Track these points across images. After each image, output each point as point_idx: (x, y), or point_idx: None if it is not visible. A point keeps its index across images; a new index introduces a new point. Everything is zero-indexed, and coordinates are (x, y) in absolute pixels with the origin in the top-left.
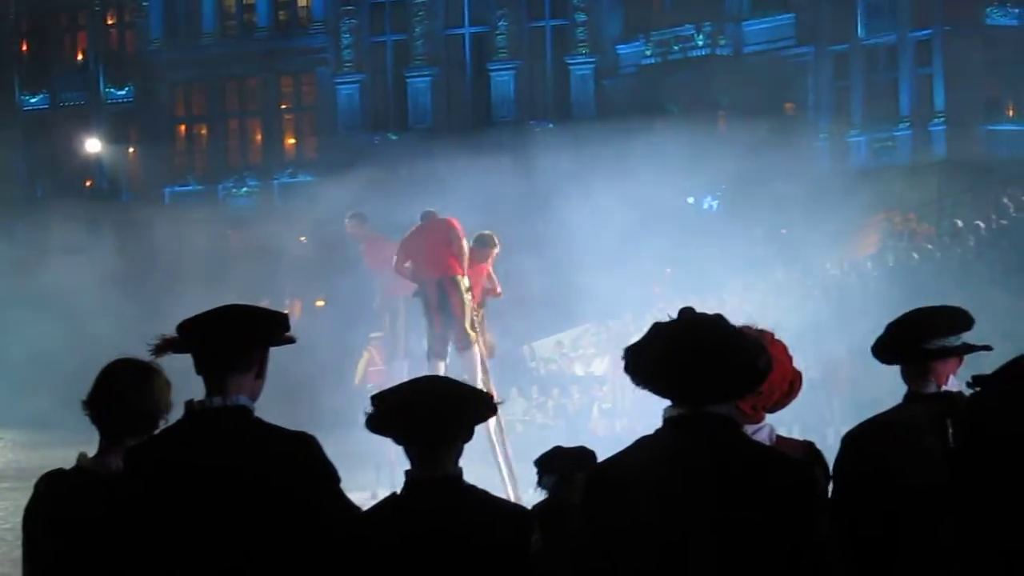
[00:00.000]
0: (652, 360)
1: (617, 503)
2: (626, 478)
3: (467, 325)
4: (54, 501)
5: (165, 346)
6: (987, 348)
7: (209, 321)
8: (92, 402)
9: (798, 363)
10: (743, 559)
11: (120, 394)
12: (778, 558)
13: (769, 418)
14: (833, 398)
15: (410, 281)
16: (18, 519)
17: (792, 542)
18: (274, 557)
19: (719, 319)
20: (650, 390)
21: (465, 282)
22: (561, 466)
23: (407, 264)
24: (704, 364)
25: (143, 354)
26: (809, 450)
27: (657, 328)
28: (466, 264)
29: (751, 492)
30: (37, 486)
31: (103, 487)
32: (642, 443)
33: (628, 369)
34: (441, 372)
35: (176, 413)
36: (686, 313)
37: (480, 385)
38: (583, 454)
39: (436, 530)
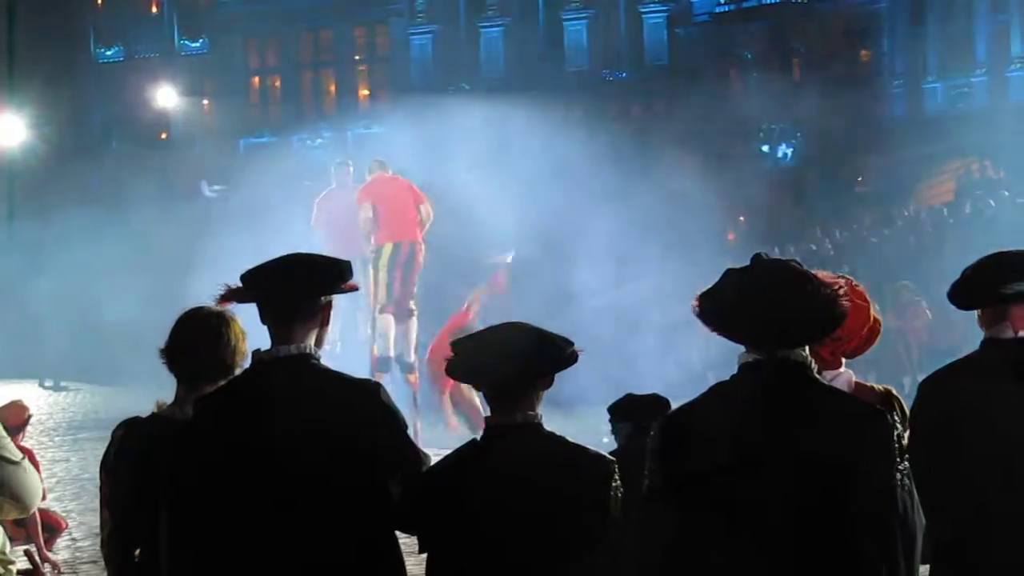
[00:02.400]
0: (725, 306)
1: (691, 449)
2: (700, 424)
3: (413, 297)
4: (132, 445)
5: (230, 295)
6: None
7: (272, 272)
8: (168, 350)
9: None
10: (819, 503)
11: (195, 342)
12: (854, 502)
13: (847, 364)
14: (911, 346)
15: (366, 232)
16: (96, 469)
17: (868, 486)
18: (344, 505)
19: (793, 264)
20: (723, 335)
21: (424, 250)
22: (635, 414)
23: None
24: (778, 309)
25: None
26: (887, 396)
27: (730, 274)
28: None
29: (826, 437)
30: (114, 433)
31: (179, 431)
32: (716, 389)
33: (701, 315)
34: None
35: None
36: (759, 259)
37: (411, 359)
38: (657, 402)
39: (516, 476)
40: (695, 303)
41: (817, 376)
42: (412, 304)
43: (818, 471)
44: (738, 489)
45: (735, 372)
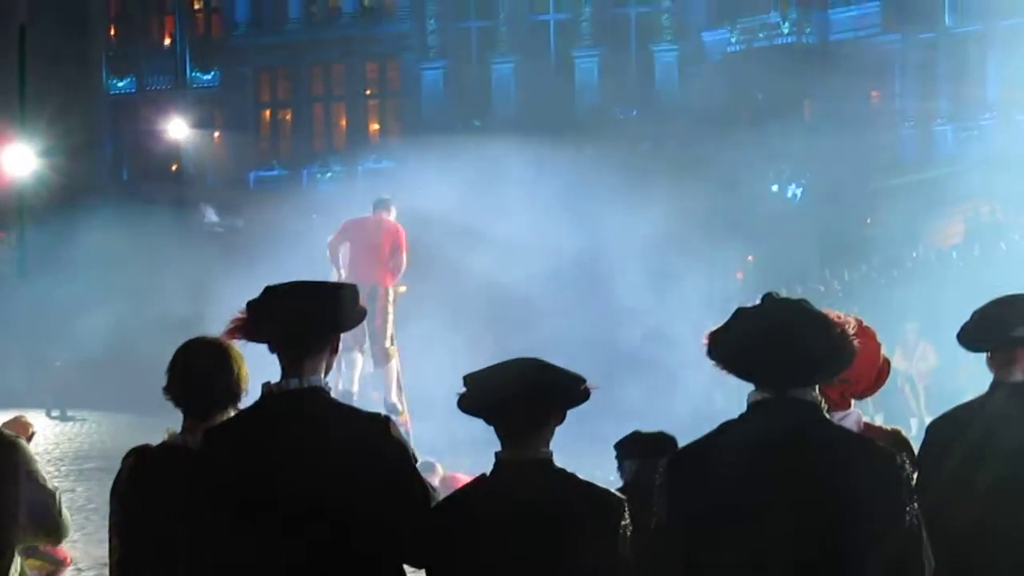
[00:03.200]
0: (735, 344)
1: (699, 487)
2: (708, 462)
3: (387, 340)
4: (143, 473)
5: (238, 332)
6: None
7: (284, 311)
8: (172, 384)
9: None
10: (826, 544)
11: (198, 373)
12: (861, 544)
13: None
14: (918, 387)
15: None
16: (103, 499)
17: (876, 528)
18: (350, 539)
19: (803, 304)
20: (733, 374)
21: (391, 294)
22: (642, 451)
23: (341, 252)
24: (788, 348)
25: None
26: (896, 437)
27: (740, 312)
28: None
29: (835, 477)
30: (125, 460)
31: (189, 461)
32: (724, 427)
33: (711, 353)
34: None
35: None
36: (770, 298)
37: (395, 400)
38: (663, 439)
39: (526, 512)
40: (705, 341)
41: (828, 416)
42: (388, 346)
43: (830, 511)
44: (748, 528)
45: (743, 411)
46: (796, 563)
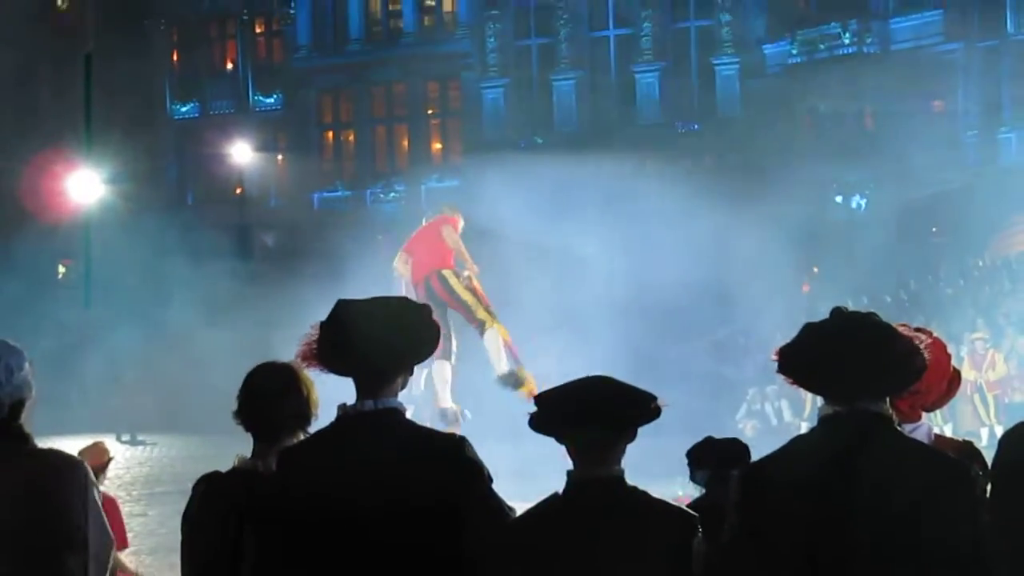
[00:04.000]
0: (806, 359)
1: (771, 502)
2: (781, 476)
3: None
4: (214, 499)
5: (311, 359)
6: None
7: (357, 341)
8: (242, 409)
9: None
10: (900, 556)
11: (268, 398)
12: (936, 555)
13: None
14: (987, 398)
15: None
16: (174, 523)
17: (951, 540)
18: (428, 561)
19: (873, 316)
20: (804, 387)
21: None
22: (715, 461)
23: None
24: (858, 361)
25: (290, 357)
26: (968, 449)
27: (810, 327)
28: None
29: (908, 489)
30: (196, 487)
31: (260, 485)
32: (797, 441)
33: (782, 369)
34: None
35: (328, 414)
36: (838, 312)
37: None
38: (736, 448)
39: (598, 531)
40: (775, 357)
41: (899, 428)
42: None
43: (903, 524)
44: (821, 542)
45: (815, 425)
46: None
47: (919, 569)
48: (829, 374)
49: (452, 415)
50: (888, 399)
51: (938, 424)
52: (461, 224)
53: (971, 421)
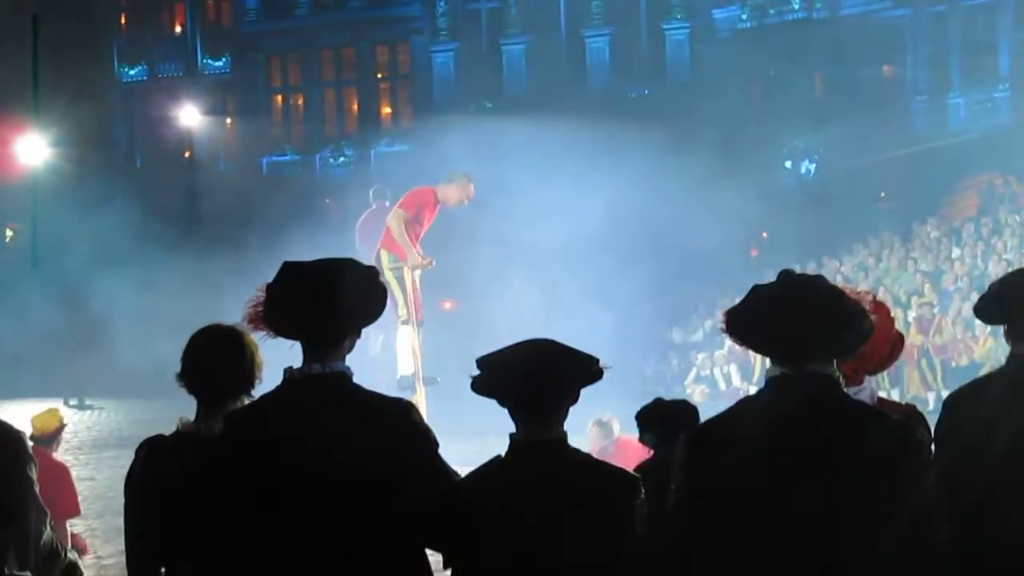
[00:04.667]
0: (754, 321)
1: (718, 463)
2: (727, 438)
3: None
4: (156, 463)
5: (257, 323)
6: None
7: (304, 303)
8: (185, 372)
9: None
10: (845, 517)
11: (212, 361)
12: (880, 516)
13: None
14: (934, 363)
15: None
16: (121, 487)
17: (894, 500)
18: (374, 524)
19: (820, 280)
20: (751, 349)
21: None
22: (663, 423)
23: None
24: (805, 323)
25: (237, 320)
26: (912, 412)
27: (757, 289)
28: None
29: (852, 450)
30: (138, 451)
31: (205, 448)
32: (745, 402)
33: (729, 330)
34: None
35: (274, 377)
36: (786, 274)
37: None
38: (685, 410)
39: (541, 493)
40: (722, 319)
41: (845, 390)
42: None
43: (849, 483)
44: (767, 504)
45: (762, 386)
46: (818, 535)
47: (865, 530)
48: (776, 336)
49: (407, 383)
50: (832, 361)
51: (885, 388)
52: (462, 193)
53: (918, 386)
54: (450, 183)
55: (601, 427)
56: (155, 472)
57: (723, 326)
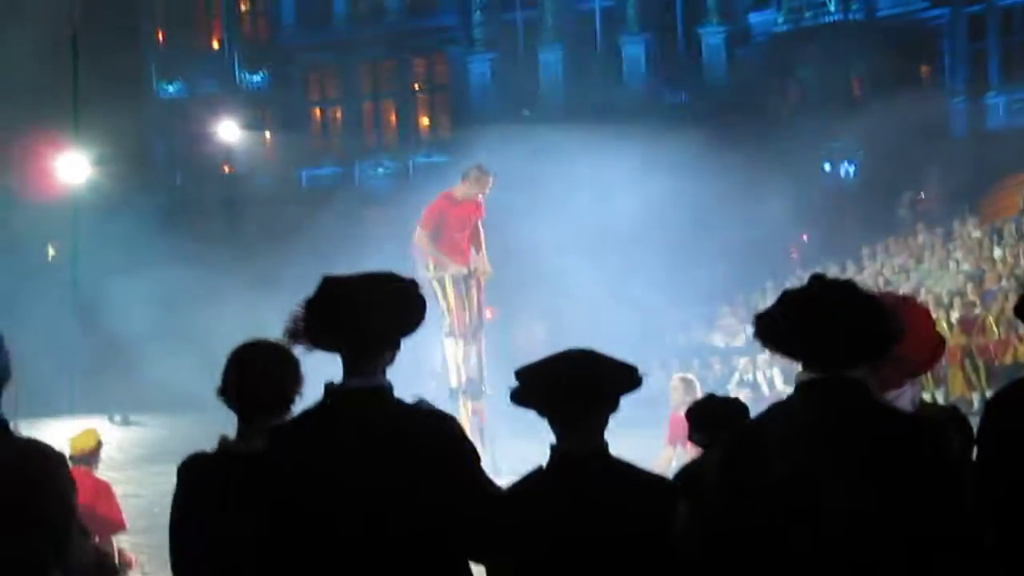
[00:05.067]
0: (783, 326)
1: (750, 467)
2: (760, 442)
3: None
4: (199, 484)
5: (298, 337)
6: None
7: (345, 315)
8: (226, 387)
9: (940, 328)
10: (877, 521)
11: (253, 377)
12: (914, 520)
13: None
14: (978, 363)
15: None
16: (168, 502)
17: (927, 505)
18: (416, 540)
19: (850, 284)
20: (781, 354)
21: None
22: (714, 424)
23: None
24: (835, 329)
25: (278, 336)
26: (953, 415)
27: (788, 294)
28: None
29: (883, 455)
30: (180, 471)
31: (248, 467)
32: (775, 408)
33: (759, 335)
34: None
35: (314, 391)
36: (817, 279)
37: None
38: (736, 409)
39: (582, 504)
40: (753, 324)
41: (880, 394)
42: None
43: (879, 488)
44: (798, 507)
45: (792, 391)
46: (851, 541)
47: (897, 534)
48: (805, 340)
49: (453, 395)
50: (864, 365)
51: (929, 390)
52: (478, 186)
53: (963, 387)
54: (464, 180)
55: (686, 384)
56: (199, 493)
57: (754, 331)
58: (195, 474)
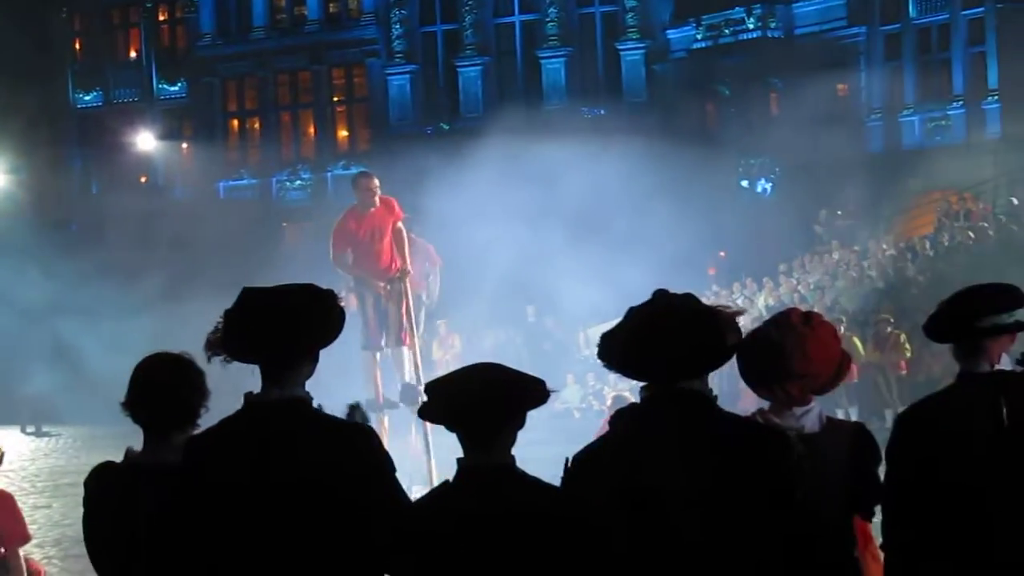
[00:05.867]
0: (621, 343)
1: (596, 483)
2: (607, 458)
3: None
4: (105, 493)
5: (216, 347)
6: None
7: (261, 327)
8: (130, 401)
9: (854, 345)
10: (730, 525)
11: (154, 391)
12: (756, 524)
13: (826, 400)
14: (891, 380)
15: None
16: (78, 514)
17: (778, 505)
18: (329, 552)
19: (689, 298)
20: (623, 374)
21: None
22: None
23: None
24: (667, 343)
25: (194, 349)
26: (858, 432)
27: (630, 311)
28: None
29: (726, 464)
30: (86, 482)
31: (154, 478)
32: (625, 422)
33: (600, 355)
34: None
35: (233, 401)
36: (659, 294)
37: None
38: None
39: (488, 517)
40: (597, 343)
41: (714, 403)
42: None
43: (725, 495)
44: (646, 518)
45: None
46: (696, 548)
47: (748, 536)
48: (641, 356)
49: (378, 407)
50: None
51: (843, 407)
52: (367, 192)
53: (875, 402)
54: (355, 191)
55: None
56: (104, 501)
57: (598, 351)
58: (100, 486)
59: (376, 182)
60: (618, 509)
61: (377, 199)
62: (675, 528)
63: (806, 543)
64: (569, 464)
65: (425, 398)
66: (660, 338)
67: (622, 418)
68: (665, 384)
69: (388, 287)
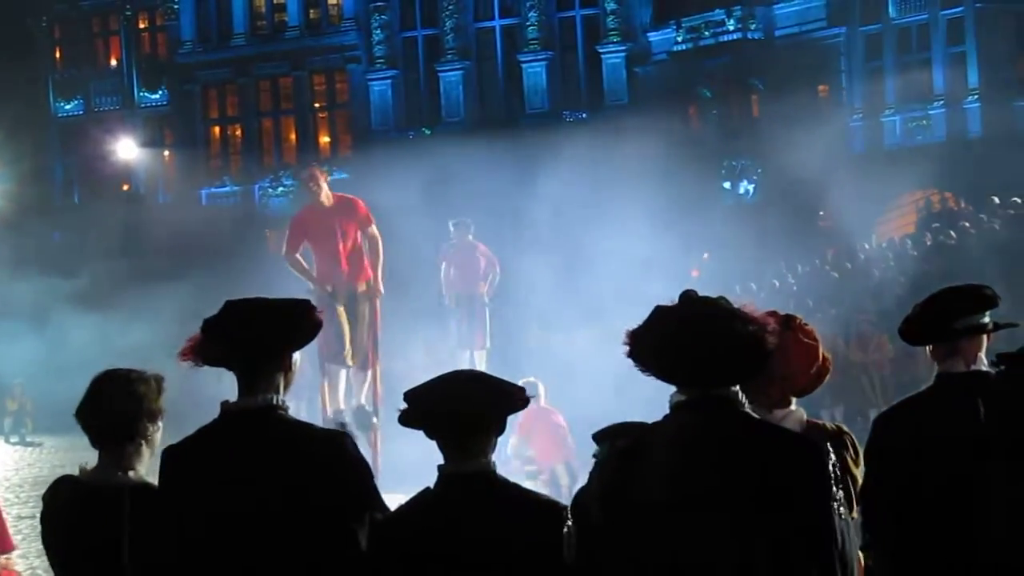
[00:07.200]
0: (653, 344)
1: (633, 487)
2: (641, 463)
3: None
4: (58, 510)
5: (191, 354)
6: (1014, 325)
7: (234, 329)
8: (81, 414)
9: (838, 345)
10: (759, 534)
11: (100, 408)
12: (792, 531)
13: (811, 400)
14: (875, 379)
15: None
16: None
17: (805, 515)
18: (306, 560)
19: (720, 301)
20: (654, 376)
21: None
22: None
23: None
24: (703, 346)
25: (174, 357)
26: (838, 434)
27: (659, 311)
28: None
29: (758, 471)
30: (44, 497)
31: (99, 498)
32: (653, 429)
33: (631, 354)
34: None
35: (210, 410)
36: (687, 296)
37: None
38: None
39: (468, 525)
40: (626, 341)
41: (749, 412)
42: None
43: (756, 503)
44: (679, 525)
45: (667, 412)
46: (725, 556)
47: (777, 545)
48: (676, 360)
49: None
50: (757, 385)
51: (827, 407)
52: (312, 189)
53: (860, 403)
54: (304, 192)
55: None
56: (57, 520)
57: (626, 350)
58: (55, 502)
59: (317, 175)
60: (650, 521)
61: (324, 195)
62: (696, 540)
63: (827, 549)
64: (598, 465)
65: (377, 423)
66: (692, 341)
67: (655, 426)
68: (696, 390)
69: (333, 290)
